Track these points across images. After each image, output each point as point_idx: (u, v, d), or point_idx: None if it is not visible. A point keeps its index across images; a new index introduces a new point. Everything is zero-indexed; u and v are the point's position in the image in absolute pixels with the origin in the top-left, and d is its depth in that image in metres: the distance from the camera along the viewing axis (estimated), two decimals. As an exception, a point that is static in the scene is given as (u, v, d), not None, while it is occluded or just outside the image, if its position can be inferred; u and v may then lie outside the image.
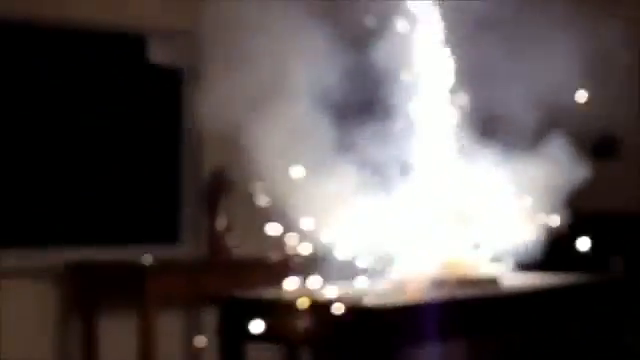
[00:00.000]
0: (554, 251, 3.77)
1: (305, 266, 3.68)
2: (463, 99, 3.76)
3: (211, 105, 3.55)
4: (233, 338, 3.45)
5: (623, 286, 3.87)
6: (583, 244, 3.79)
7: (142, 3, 5.52)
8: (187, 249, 5.67)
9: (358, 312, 3.17)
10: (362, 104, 3.69)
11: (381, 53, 3.69)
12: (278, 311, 3.37)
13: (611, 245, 6.03)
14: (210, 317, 4.54)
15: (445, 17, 3.78)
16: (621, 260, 5.90)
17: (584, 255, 4.05)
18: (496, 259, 3.72)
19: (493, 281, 3.64)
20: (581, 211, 6.03)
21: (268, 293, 3.53)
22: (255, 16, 3.59)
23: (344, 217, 3.60)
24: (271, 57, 3.59)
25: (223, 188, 5.41)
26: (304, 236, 3.61)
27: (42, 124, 5.31)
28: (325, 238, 3.60)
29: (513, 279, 3.71)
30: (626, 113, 6.31)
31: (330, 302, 3.22)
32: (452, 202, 3.63)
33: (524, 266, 3.76)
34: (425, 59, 3.74)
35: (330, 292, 3.38)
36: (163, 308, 5.17)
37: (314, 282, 3.55)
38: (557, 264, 3.87)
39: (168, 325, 5.41)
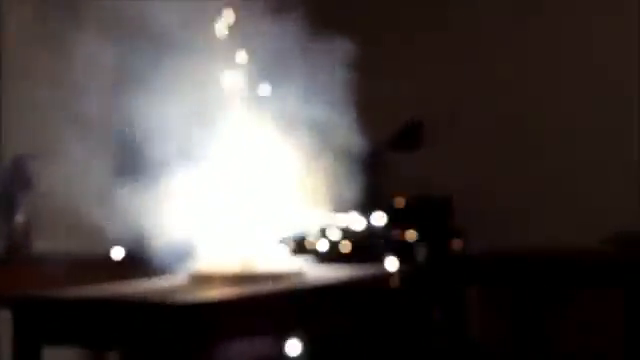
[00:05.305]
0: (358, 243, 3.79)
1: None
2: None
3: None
4: (28, 341, 3.27)
5: (428, 273, 3.92)
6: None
7: None
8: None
9: (168, 309, 3.03)
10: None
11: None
12: (80, 311, 3.21)
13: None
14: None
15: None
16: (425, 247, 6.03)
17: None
18: (298, 252, 3.69)
19: (297, 274, 3.60)
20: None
21: (70, 292, 3.36)
22: None
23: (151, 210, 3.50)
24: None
25: (21, 181, 5.20)
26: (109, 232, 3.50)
27: None
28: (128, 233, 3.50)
29: (317, 272, 3.68)
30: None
31: (140, 300, 3.11)
32: (250, 196, 3.58)
33: (328, 259, 3.75)
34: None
35: (136, 288, 3.28)
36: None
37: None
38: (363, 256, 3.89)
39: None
